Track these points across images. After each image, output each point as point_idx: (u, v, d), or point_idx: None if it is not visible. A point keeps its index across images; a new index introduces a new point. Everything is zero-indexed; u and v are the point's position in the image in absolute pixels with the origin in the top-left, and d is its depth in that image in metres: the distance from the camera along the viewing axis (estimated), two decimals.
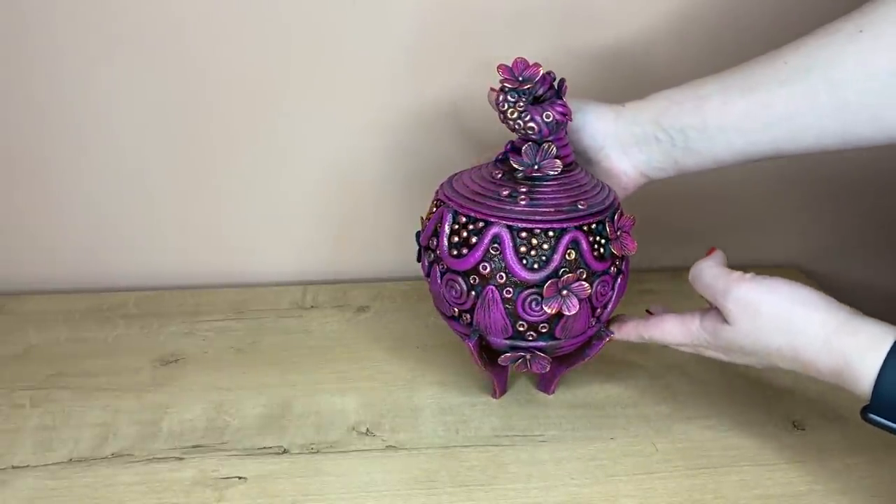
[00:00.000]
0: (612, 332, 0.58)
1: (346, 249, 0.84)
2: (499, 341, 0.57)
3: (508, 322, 0.55)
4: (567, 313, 0.53)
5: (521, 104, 0.55)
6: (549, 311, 0.53)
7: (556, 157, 0.56)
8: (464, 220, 0.55)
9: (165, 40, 0.72)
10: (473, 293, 0.55)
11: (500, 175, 0.57)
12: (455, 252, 0.55)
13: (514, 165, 0.56)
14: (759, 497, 0.55)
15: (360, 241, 0.83)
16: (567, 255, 0.53)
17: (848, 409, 0.62)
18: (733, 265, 0.92)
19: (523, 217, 0.54)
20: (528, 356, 0.57)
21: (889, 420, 0.46)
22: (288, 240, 0.83)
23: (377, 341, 0.73)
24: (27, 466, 0.57)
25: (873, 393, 0.46)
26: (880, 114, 0.50)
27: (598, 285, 0.55)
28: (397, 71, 0.75)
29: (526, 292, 0.54)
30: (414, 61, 0.75)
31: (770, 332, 0.50)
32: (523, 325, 0.55)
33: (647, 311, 0.60)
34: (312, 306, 0.78)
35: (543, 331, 0.55)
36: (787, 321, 0.49)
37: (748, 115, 0.54)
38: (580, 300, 0.54)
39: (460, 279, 0.55)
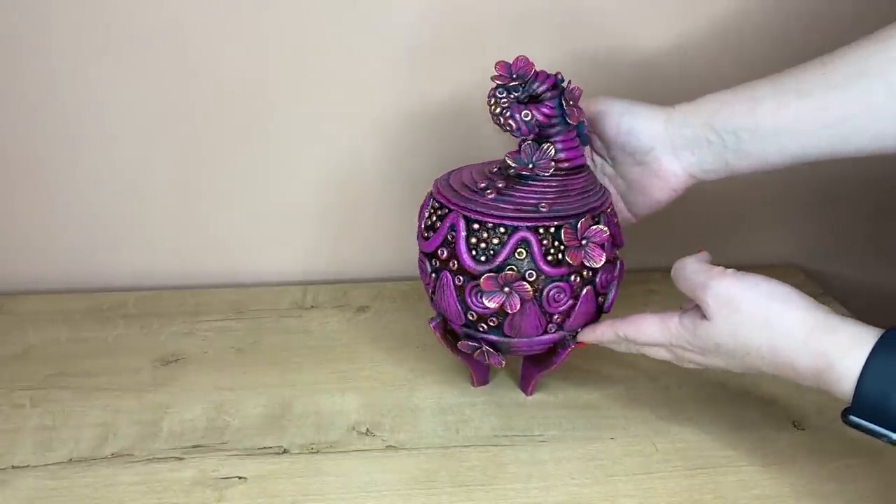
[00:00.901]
0: (578, 342, 0.59)
1: (346, 249, 0.84)
2: (457, 327, 0.59)
3: (460, 309, 0.56)
4: (509, 311, 0.54)
5: (506, 101, 0.56)
6: (489, 304, 0.54)
7: (555, 158, 0.56)
8: (436, 205, 0.57)
9: (163, 40, 0.72)
10: (434, 275, 0.57)
11: (495, 170, 0.58)
12: (425, 235, 0.58)
13: (509, 162, 0.56)
14: (758, 497, 0.55)
15: (360, 241, 0.83)
16: (516, 254, 0.54)
17: None
18: (733, 265, 0.92)
19: (481, 210, 0.55)
20: (483, 347, 0.58)
21: (870, 422, 0.46)
22: (288, 240, 0.83)
23: (377, 341, 0.73)
24: (27, 466, 0.57)
25: (855, 394, 0.45)
26: None
27: (550, 290, 0.55)
28: (398, 71, 0.75)
29: (472, 283, 0.55)
30: (414, 62, 0.75)
31: (749, 329, 0.49)
32: (473, 315, 0.56)
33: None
34: (312, 306, 0.78)
35: (493, 324, 0.56)
36: (765, 318, 0.49)
37: (802, 119, 0.54)
38: (523, 300, 0.54)
39: (427, 261, 0.58)
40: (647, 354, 0.56)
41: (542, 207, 0.55)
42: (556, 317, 0.56)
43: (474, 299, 0.55)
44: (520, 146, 0.56)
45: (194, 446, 0.59)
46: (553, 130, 0.56)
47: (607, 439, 0.60)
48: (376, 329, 0.75)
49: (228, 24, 0.72)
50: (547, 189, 0.56)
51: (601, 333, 0.57)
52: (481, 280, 0.54)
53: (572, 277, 0.55)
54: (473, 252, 0.55)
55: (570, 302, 0.56)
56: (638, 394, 0.65)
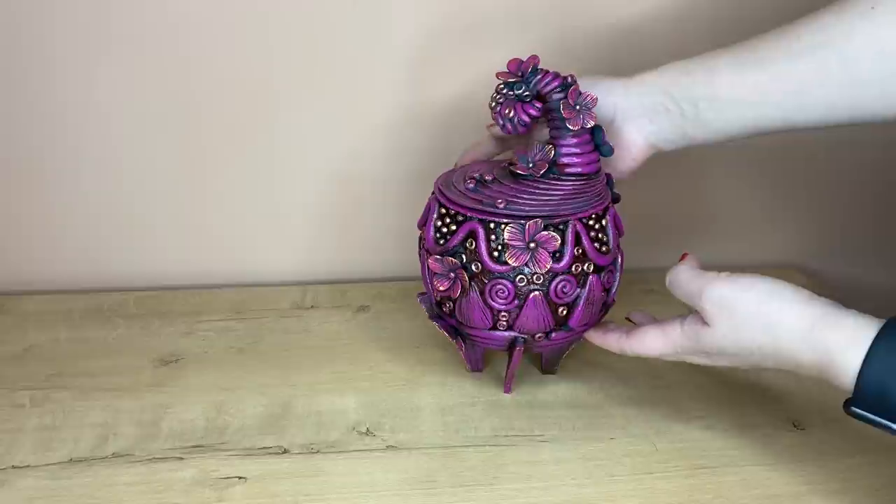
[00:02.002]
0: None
1: (346, 249, 0.84)
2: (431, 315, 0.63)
3: (429, 285, 0.60)
4: (452, 295, 0.58)
5: (502, 97, 0.57)
6: (438, 286, 0.58)
7: (555, 161, 0.57)
8: (432, 195, 0.61)
9: (165, 41, 0.72)
10: (419, 248, 0.62)
11: (504, 165, 0.60)
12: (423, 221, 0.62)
13: (513, 159, 0.57)
14: (759, 497, 0.55)
15: (359, 241, 0.83)
16: (466, 244, 0.56)
17: None
18: (733, 265, 0.92)
19: (449, 198, 0.57)
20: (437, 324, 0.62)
21: (872, 413, 0.46)
22: (288, 240, 0.83)
23: (377, 341, 0.73)
24: (27, 466, 0.57)
25: (856, 385, 0.46)
26: (890, 89, 0.51)
27: (492, 285, 0.56)
28: (398, 71, 0.75)
29: (431, 258, 0.58)
30: (414, 61, 0.75)
31: (749, 329, 0.49)
32: (437, 296, 0.60)
33: (627, 318, 0.61)
34: (312, 306, 0.78)
35: (447, 310, 0.60)
36: (764, 317, 0.49)
37: (759, 88, 0.54)
38: (464, 288, 0.57)
39: (421, 235, 0.62)
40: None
41: (500, 203, 0.56)
42: (501, 313, 0.57)
43: (434, 279, 0.59)
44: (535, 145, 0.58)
45: (194, 446, 0.59)
46: (558, 133, 0.57)
47: (607, 439, 0.60)
48: (376, 329, 0.75)
49: (229, 25, 0.72)
50: (537, 189, 0.57)
51: (608, 346, 0.58)
52: (429, 260, 0.58)
53: (517, 278, 0.55)
54: (436, 234, 0.58)
55: (514, 301, 0.56)
56: (638, 393, 0.65)
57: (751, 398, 0.65)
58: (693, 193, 0.84)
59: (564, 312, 0.58)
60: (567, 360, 0.66)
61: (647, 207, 0.79)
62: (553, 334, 0.59)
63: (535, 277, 0.56)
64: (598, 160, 0.58)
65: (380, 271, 0.84)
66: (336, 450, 0.59)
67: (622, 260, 0.61)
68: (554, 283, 0.56)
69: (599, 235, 0.58)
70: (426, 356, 0.70)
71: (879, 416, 0.46)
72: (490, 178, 0.57)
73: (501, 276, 0.56)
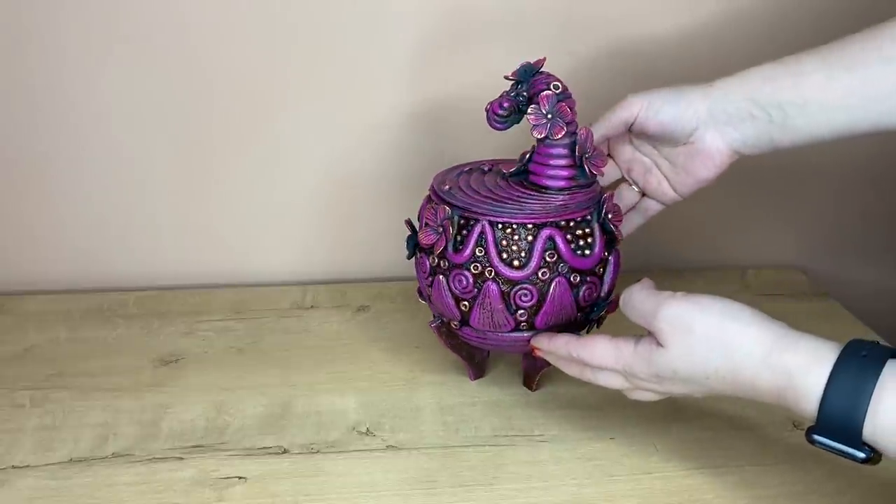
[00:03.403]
0: (531, 346, 0.59)
1: (345, 249, 0.84)
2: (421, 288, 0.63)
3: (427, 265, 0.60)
4: (424, 240, 0.58)
5: (503, 95, 0.59)
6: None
7: (525, 167, 0.59)
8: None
9: (165, 41, 0.72)
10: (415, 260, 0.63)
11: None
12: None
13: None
14: (758, 497, 0.55)
15: (359, 241, 0.83)
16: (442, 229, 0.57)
17: None
18: (733, 265, 0.92)
19: (447, 192, 0.58)
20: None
21: (836, 441, 0.44)
22: (288, 240, 0.83)
23: (377, 341, 0.73)
24: (27, 466, 0.57)
25: (819, 412, 0.44)
26: None
27: (455, 276, 0.57)
28: (397, 71, 0.75)
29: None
30: (413, 61, 0.75)
31: (705, 351, 0.48)
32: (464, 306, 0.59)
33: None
34: (312, 306, 0.78)
35: (464, 308, 0.59)
36: (721, 339, 0.47)
37: (852, 92, 0.54)
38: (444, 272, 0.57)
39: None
40: (599, 382, 0.54)
41: (445, 186, 0.59)
42: (461, 302, 0.57)
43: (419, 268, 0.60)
44: None
45: (194, 446, 0.59)
46: (540, 140, 0.57)
47: (607, 439, 0.60)
48: (376, 329, 0.75)
49: (230, 26, 0.72)
50: (514, 193, 0.58)
51: (555, 347, 0.55)
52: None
53: (471, 266, 0.56)
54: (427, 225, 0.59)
55: (471, 290, 0.57)
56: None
57: (751, 398, 0.65)
58: (693, 193, 0.84)
59: (525, 316, 0.57)
60: None
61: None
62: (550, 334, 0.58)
63: (489, 278, 0.56)
64: (570, 178, 0.57)
65: (379, 271, 0.84)
66: (336, 450, 0.59)
67: (615, 270, 0.60)
68: (516, 288, 0.56)
69: (580, 243, 0.57)
70: (426, 356, 0.70)
71: (843, 444, 0.44)
72: (473, 176, 0.60)
73: (461, 265, 0.56)
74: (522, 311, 0.57)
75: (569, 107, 0.56)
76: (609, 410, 0.63)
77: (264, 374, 0.67)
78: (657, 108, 0.58)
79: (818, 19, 0.75)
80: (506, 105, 0.58)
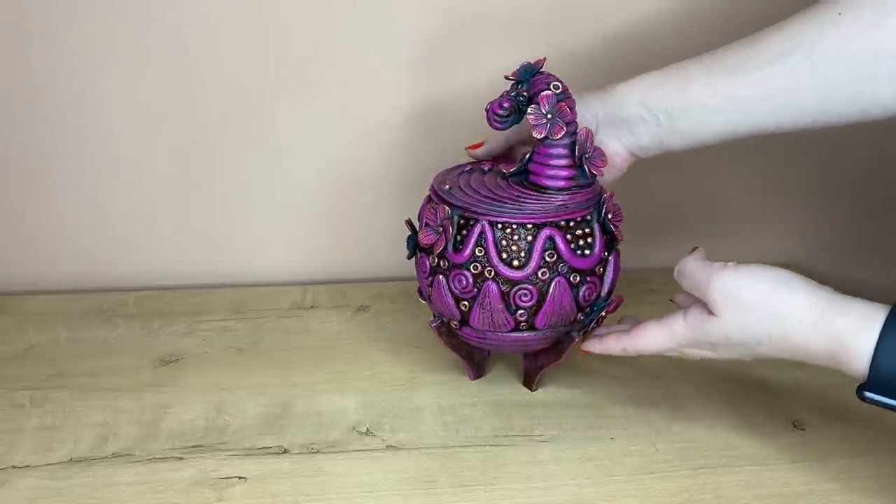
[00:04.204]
0: (583, 350, 0.59)
1: (345, 249, 0.84)
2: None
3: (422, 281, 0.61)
4: (424, 240, 0.58)
5: (504, 95, 0.59)
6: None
7: (525, 166, 0.59)
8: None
9: (165, 40, 0.72)
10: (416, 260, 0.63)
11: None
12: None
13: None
14: (759, 497, 0.55)
15: (359, 241, 0.83)
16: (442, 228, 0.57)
17: (848, 409, 0.62)
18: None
19: (447, 192, 0.59)
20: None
21: (886, 397, 0.47)
22: (288, 240, 0.83)
23: (377, 341, 0.73)
24: (27, 466, 0.57)
25: (870, 371, 0.46)
26: (859, 91, 0.52)
27: (454, 275, 0.57)
28: (397, 71, 0.75)
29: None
30: (413, 61, 0.75)
31: (757, 318, 0.50)
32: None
33: (620, 322, 0.60)
34: (312, 306, 0.78)
35: (464, 308, 0.59)
36: (773, 306, 0.49)
37: (731, 96, 0.56)
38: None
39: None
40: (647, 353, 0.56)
41: (446, 185, 0.59)
42: (461, 302, 0.58)
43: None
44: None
45: (194, 446, 0.59)
46: (540, 140, 0.57)
47: (607, 439, 0.60)
48: (376, 329, 0.75)
49: (230, 26, 0.72)
50: (510, 191, 0.58)
51: (608, 348, 0.58)
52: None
53: (470, 266, 0.56)
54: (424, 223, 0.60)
55: (471, 290, 0.57)
56: (638, 393, 0.65)
57: (751, 398, 0.65)
58: (693, 193, 0.84)
59: (524, 316, 0.57)
60: (566, 361, 0.66)
61: (647, 207, 0.79)
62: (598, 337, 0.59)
63: (487, 272, 0.56)
64: (570, 178, 0.58)
65: (379, 271, 0.84)
66: (336, 450, 0.59)
67: (615, 270, 0.60)
68: (515, 288, 0.56)
69: (580, 243, 0.57)
70: (426, 356, 0.70)
71: (893, 399, 0.46)
72: (472, 176, 0.60)
73: (461, 265, 0.57)
74: (522, 311, 0.57)
75: (569, 107, 0.56)
76: (609, 410, 0.63)
77: (264, 374, 0.67)
78: None
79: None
80: (506, 105, 0.58)
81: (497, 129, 0.60)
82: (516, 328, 0.58)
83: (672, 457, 0.58)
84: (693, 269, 0.53)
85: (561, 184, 0.58)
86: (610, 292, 0.60)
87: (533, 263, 0.56)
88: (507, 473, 0.57)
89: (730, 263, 0.52)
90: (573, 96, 0.58)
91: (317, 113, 0.77)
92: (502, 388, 0.66)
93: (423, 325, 0.74)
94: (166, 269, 0.82)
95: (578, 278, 0.57)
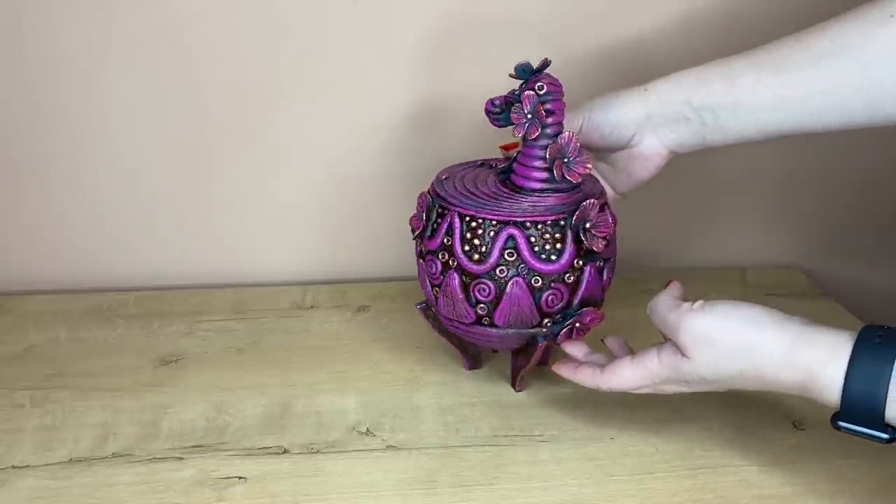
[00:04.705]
0: (553, 369, 0.60)
1: (345, 249, 0.84)
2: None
3: (426, 283, 0.62)
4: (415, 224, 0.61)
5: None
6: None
7: (511, 166, 0.59)
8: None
9: (165, 41, 0.72)
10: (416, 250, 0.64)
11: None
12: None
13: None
14: (758, 497, 0.55)
15: (359, 241, 0.83)
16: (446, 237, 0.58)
17: None
18: (733, 265, 0.92)
19: (439, 183, 0.60)
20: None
21: (859, 426, 0.47)
22: (288, 240, 0.83)
23: (377, 341, 0.73)
24: (27, 466, 0.57)
25: (842, 401, 0.46)
26: None
27: (428, 261, 0.59)
28: (397, 71, 0.75)
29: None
30: (413, 61, 0.75)
31: (729, 357, 0.50)
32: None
33: (602, 341, 0.60)
34: (312, 306, 0.79)
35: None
36: (743, 344, 0.49)
37: (779, 95, 0.55)
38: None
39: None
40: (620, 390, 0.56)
41: (444, 176, 0.61)
42: (434, 287, 0.60)
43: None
44: None
45: (194, 446, 0.59)
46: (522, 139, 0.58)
47: (607, 439, 0.60)
48: (376, 329, 0.75)
49: (230, 26, 0.72)
50: (493, 188, 0.59)
51: (581, 381, 0.57)
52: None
53: (439, 255, 0.58)
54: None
55: (439, 277, 0.59)
56: (638, 394, 0.65)
57: (751, 399, 0.65)
58: (693, 193, 0.84)
59: (484, 310, 0.58)
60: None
61: (648, 208, 0.79)
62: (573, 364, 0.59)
63: (451, 261, 0.58)
64: (543, 180, 0.57)
65: (379, 271, 0.84)
66: (336, 450, 0.59)
67: (592, 282, 0.59)
68: (475, 281, 0.57)
69: (546, 245, 0.57)
70: (426, 356, 0.70)
71: (867, 428, 0.46)
72: (449, 176, 0.62)
73: (431, 252, 0.59)
74: (482, 305, 0.58)
75: (552, 109, 0.56)
76: (609, 410, 0.63)
77: (264, 374, 0.67)
78: (595, 122, 0.60)
79: (812, 12, 0.75)
80: (497, 102, 0.58)
81: (496, 125, 0.60)
82: (478, 322, 0.59)
83: (672, 457, 0.58)
84: (663, 311, 0.53)
85: (534, 185, 0.58)
86: (585, 304, 0.59)
87: (492, 259, 0.56)
88: (506, 473, 0.57)
89: (696, 304, 0.52)
90: (606, 101, 0.59)
91: (317, 113, 0.77)
92: (502, 389, 0.66)
93: (423, 325, 0.74)
94: (166, 269, 0.82)
95: (541, 282, 0.56)
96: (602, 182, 0.64)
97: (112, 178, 0.78)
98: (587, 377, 0.57)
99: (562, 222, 0.56)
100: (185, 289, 0.81)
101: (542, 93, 0.56)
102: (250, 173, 0.79)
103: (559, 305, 0.58)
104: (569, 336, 0.59)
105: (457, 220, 0.57)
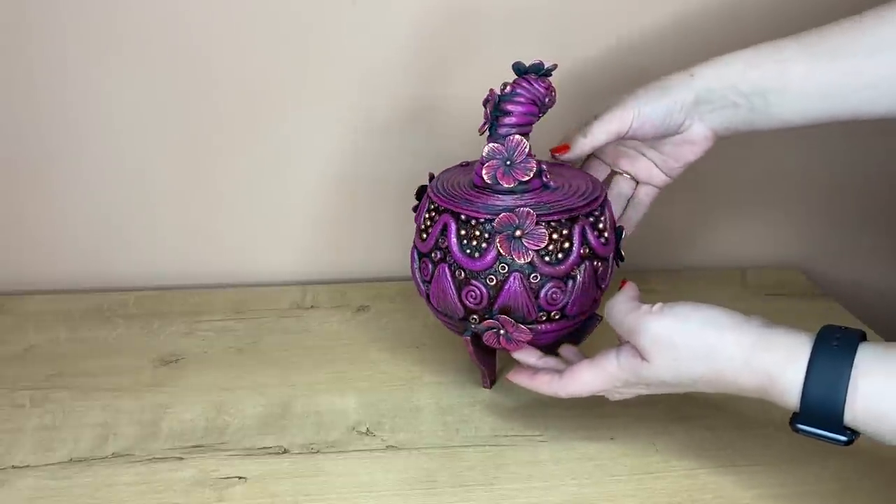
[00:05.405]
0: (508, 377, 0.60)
1: (345, 249, 0.84)
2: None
3: (419, 284, 0.63)
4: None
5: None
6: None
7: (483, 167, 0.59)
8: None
9: (166, 41, 0.72)
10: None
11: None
12: None
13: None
14: (758, 497, 0.55)
15: (359, 241, 0.83)
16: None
17: None
18: (733, 265, 0.92)
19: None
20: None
21: (818, 428, 0.46)
22: (288, 240, 0.83)
23: (377, 341, 0.73)
24: (27, 466, 0.57)
25: (801, 404, 0.46)
26: None
27: (420, 264, 0.61)
28: (397, 71, 0.75)
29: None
30: (413, 61, 0.75)
31: (689, 361, 0.49)
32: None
33: (557, 352, 0.60)
34: (312, 306, 0.78)
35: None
36: (703, 348, 0.49)
37: (834, 82, 0.55)
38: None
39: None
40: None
41: (434, 172, 0.63)
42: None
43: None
44: None
45: (194, 446, 0.59)
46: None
47: (607, 439, 0.60)
48: (376, 329, 0.75)
49: (229, 26, 0.72)
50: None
51: (537, 387, 0.57)
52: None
53: (432, 255, 0.59)
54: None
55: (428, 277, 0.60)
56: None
57: (750, 399, 0.64)
58: (693, 193, 0.84)
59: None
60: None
61: (647, 208, 0.79)
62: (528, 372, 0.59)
63: (437, 262, 0.59)
64: (488, 177, 0.57)
65: (379, 271, 0.84)
66: (336, 450, 0.59)
67: (515, 292, 0.57)
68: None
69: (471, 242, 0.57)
70: (426, 356, 0.70)
71: (825, 430, 0.46)
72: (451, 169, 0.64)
73: (424, 255, 0.60)
74: (426, 283, 0.60)
75: (504, 110, 0.56)
76: (609, 410, 0.63)
77: (264, 374, 0.67)
78: (647, 114, 0.59)
79: (814, 8, 0.75)
80: (488, 97, 0.58)
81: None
82: (428, 299, 0.62)
83: (672, 457, 0.58)
84: (621, 313, 0.52)
85: (481, 181, 0.58)
86: (510, 313, 0.57)
87: (430, 241, 0.59)
88: (506, 473, 0.57)
89: (656, 307, 0.51)
90: (653, 93, 0.59)
91: (317, 113, 0.77)
92: (502, 388, 0.66)
93: (423, 325, 0.74)
94: (166, 269, 0.82)
95: (462, 275, 0.57)
96: (654, 169, 0.64)
97: (112, 179, 0.78)
98: (544, 384, 0.56)
99: (483, 223, 0.56)
100: (185, 289, 0.81)
101: (503, 92, 0.56)
102: (250, 173, 0.79)
103: (478, 304, 0.57)
104: (496, 341, 0.58)
105: (431, 192, 0.60)
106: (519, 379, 0.58)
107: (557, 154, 0.62)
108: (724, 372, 0.49)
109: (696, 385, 0.51)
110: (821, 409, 0.45)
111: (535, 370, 0.58)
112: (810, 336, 0.47)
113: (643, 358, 0.51)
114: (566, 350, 0.60)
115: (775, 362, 0.47)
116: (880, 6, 0.54)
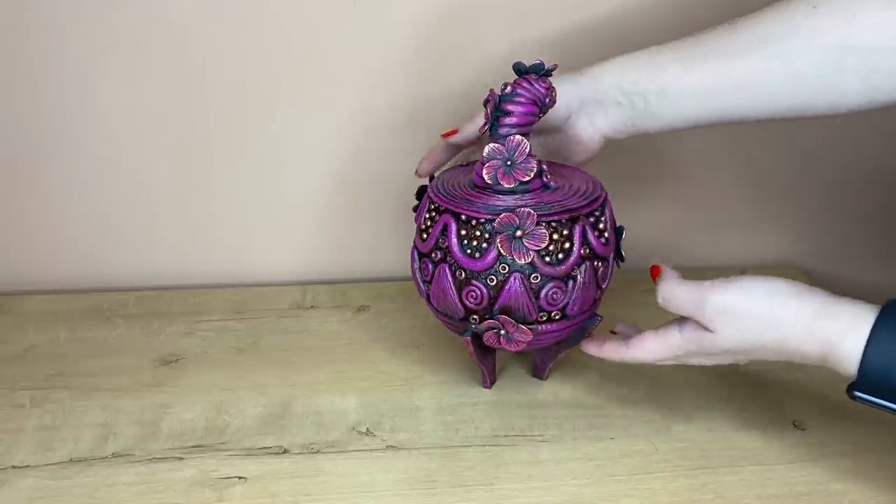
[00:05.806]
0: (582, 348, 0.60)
1: (345, 249, 0.84)
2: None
3: (419, 284, 0.63)
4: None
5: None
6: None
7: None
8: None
9: (165, 41, 0.72)
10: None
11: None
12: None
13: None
14: (759, 497, 0.55)
15: (359, 241, 0.83)
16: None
17: (848, 409, 0.62)
18: (733, 265, 0.92)
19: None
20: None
21: (875, 396, 0.48)
22: (288, 240, 0.83)
23: (377, 341, 0.73)
24: (27, 466, 0.57)
25: (859, 371, 0.47)
26: (829, 84, 0.53)
27: (421, 264, 0.61)
28: (397, 71, 0.75)
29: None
30: (413, 61, 0.75)
31: (755, 330, 0.51)
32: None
33: (612, 331, 0.60)
34: (312, 306, 0.79)
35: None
36: (768, 317, 0.50)
37: (704, 83, 0.57)
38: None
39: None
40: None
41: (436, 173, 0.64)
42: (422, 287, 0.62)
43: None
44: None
45: (194, 446, 0.59)
46: None
47: (607, 439, 0.60)
48: (376, 329, 0.75)
49: (229, 26, 0.72)
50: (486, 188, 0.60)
51: (606, 355, 0.58)
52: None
53: (432, 255, 0.59)
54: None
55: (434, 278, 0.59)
56: (638, 394, 0.65)
57: (751, 398, 0.65)
58: (692, 193, 0.84)
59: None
60: (566, 361, 0.66)
61: (648, 207, 0.79)
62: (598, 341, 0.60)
63: (436, 261, 0.59)
64: (489, 177, 0.57)
65: (379, 271, 0.84)
66: (336, 450, 0.59)
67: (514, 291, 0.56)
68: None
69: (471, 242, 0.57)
70: (426, 356, 0.70)
71: (882, 399, 0.48)
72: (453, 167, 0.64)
73: (425, 255, 0.60)
74: (427, 283, 0.60)
75: (504, 110, 0.56)
76: (609, 410, 0.63)
77: (264, 374, 0.67)
78: None
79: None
80: (488, 97, 0.58)
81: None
82: (428, 299, 0.61)
83: (672, 457, 0.59)
84: (681, 293, 0.53)
85: (477, 180, 0.58)
86: (510, 313, 0.57)
87: (430, 241, 0.58)
88: (506, 473, 0.57)
89: (717, 281, 0.52)
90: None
91: (317, 113, 0.77)
92: (502, 388, 0.66)
93: (423, 325, 0.74)
94: (166, 269, 0.82)
95: (463, 275, 0.57)
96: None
97: (112, 178, 0.78)
98: (612, 351, 0.58)
99: (483, 223, 0.56)
100: (184, 289, 0.81)
101: (504, 92, 0.56)
102: (250, 173, 0.79)
103: (478, 304, 0.57)
104: (497, 341, 0.58)
105: (431, 191, 0.60)
106: (589, 348, 0.60)
107: (447, 138, 0.64)
108: (788, 340, 0.50)
109: (756, 352, 0.52)
110: (878, 378, 0.47)
111: (602, 340, 0.59)
112: (874, 308, 0.48)
113: (707, 329, 0.52)
114: (621, 327, 0.61)
115: (837, 330, 0.48)
116: (754, 12, 0.56)
